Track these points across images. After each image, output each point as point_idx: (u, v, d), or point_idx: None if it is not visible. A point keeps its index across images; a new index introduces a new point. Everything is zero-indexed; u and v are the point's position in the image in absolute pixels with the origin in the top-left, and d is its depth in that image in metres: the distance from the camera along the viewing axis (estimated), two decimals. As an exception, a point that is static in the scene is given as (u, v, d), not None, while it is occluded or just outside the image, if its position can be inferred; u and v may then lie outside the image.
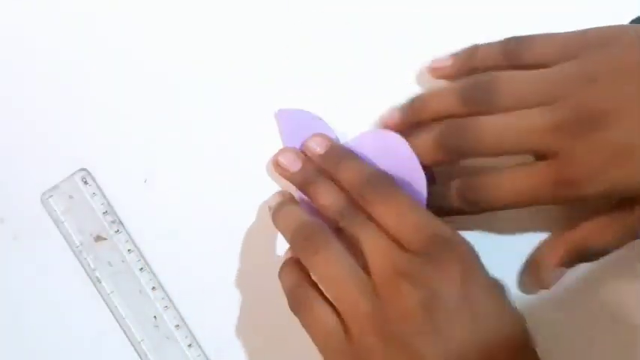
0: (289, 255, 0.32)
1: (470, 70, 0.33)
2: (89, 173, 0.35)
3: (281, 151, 0.34)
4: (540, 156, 0.30)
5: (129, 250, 0.35)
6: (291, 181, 0.33)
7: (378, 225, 0.29)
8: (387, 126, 0.34)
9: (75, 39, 0.36)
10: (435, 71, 0.34)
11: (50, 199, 0.35)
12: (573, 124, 0.28)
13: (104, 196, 0.35)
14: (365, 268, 0.28)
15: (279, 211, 0.32)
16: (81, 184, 0.35)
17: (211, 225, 0.35)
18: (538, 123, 0.29)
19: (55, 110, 0.36)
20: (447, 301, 0.26)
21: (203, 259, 0.35)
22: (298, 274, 0.30)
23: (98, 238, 0.34)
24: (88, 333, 0.35)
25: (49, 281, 0.35)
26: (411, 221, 0.28)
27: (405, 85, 0.35)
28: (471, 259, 0.27)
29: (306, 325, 0.29)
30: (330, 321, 0.28)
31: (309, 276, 0.30)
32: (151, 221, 0.35)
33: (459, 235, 0.28)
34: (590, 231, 0.31)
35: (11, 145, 0.36)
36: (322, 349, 0.28)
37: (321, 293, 0.29)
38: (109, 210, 0.35)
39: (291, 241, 0.31)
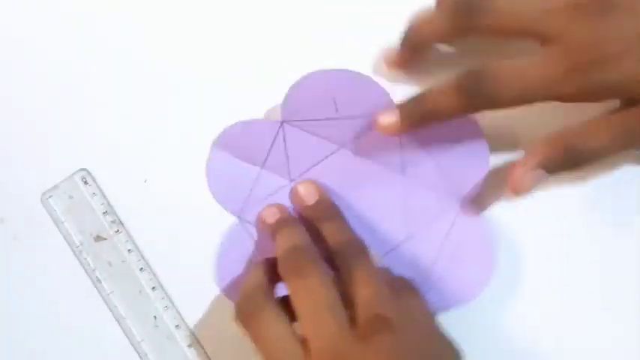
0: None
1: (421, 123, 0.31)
2: (89, 173, 0.35)
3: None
4: (545, 39, 0.28)
5: (129, 251, 0.35)
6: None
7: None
8: (394, 61, 0.33)
9: (75, 38, 0.36)
10: (382, 128, 0.32)
11: (50, 199, 0.35)
12: (586, 7, 0.28)
13: (104, 196, 0.35)
14: (345, 300, 0.28)
15: (280, 229, 0.32)
16: (81, 184, 0.35)
17: (210, 225, 0.35)
18: (551, 2, 0.28)
19: (55, 110, 0.36)
20: None
21: (203, 259, 0.34)
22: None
23: (98, 238, 0.34)
24: (88, 333, 0.35)
25: (49, 281, 0.35)
26: (366, 293, 0.28)
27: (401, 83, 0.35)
28: (402, 348, 0.27)
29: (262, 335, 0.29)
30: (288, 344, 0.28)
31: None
32: (151, 221, 0.35)
33: (406, 317, 0.28)
34: (583, 129, 0.29)
35: (11, 146, 0.36)
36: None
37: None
38: (109, 210, 0.35)
39: (282, 257, 0.30)
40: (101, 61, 0.36)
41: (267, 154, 0.34)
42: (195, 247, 0.35)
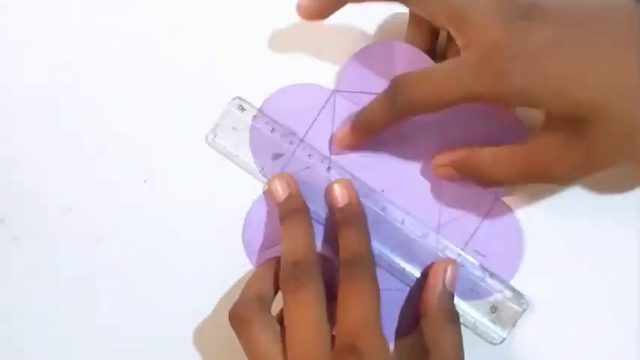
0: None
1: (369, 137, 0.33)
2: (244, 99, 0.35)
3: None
4: (465, 46, 0.29)
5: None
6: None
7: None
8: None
9: (74, 39, 0.36)
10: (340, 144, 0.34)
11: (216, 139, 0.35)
12: (501, 9, 0.28)
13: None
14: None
15: (289, 219, 0.32)
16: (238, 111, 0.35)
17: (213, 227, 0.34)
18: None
19: (55, 111, 0.36)
20: None
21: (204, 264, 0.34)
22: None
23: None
24: (89, 333, 0.35)
25: (49, 281, 0.35)
26: (350, 316, 0.29)
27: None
28: None
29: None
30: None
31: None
32: (151, 221, 0.35)
33: (381, 351, 0.28)
34: (490, 156, 0.30)
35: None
36: None
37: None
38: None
39: (282, 266, 0.31)
40: (101, 60, 0.36)
41: (313, 121, 0.34)
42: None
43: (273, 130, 0.34)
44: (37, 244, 0.35)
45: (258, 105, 0.35)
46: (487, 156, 0.30)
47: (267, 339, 0.29)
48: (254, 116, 0.34)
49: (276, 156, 0.34)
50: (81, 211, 0.35)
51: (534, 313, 0.33)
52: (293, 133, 0.34)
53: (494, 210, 0.34)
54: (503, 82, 0.27)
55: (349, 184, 0.33)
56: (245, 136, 0.34)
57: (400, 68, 0.34)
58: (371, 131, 0.32)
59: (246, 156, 0.34)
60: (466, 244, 0.34)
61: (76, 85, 0.36)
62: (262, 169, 0.34)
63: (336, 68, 0.35)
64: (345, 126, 0.33)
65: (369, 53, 0.34)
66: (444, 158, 0.32)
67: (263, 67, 0.35)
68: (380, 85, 0.32)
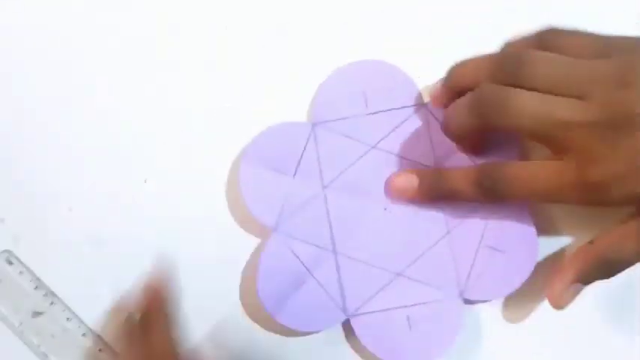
0: None
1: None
2: (12, 253, 0.35)
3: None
4: (559, 148, 0.29)
5: (67, 319, 0.34)
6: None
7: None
8: (434, 98, 0.34)
9: (74, 38, 0.36)
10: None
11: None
12: (604, 125, 0.28)
13: (31, 272, 0.34)
14: None
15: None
16: (5, 265, 0.34)
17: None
18: (570, 112, 0.29)
19: (55, 111, 0.36)
20: None
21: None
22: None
23: (35, 314, 0.34)
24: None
25: (49, 281, 0.35)
26: None
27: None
28: None
29: None
30: None
31: None
32: (151, 221, 0.35)
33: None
34: (612, 240, 0.30)
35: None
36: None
37: None
38: (39, 284, 0.34)
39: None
40: (101, 60, 0.36)
41: (299, 160, 0.34)
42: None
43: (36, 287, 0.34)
44: (37, 244, 0.35)
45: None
46: (612, 239, 0.30)
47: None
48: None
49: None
50: (81, 211, 0.35)
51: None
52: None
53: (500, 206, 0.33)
54: (600, 194, 0.29)
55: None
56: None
57: (375, 85, 0.34)
58: (446, 199, 0.33)
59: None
60: (480, 242, 0.33)
61: (76, 84, 0.36)
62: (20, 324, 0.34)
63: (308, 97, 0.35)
64: (409, 176, 0.33)
65: (335, 79, 0.34)
66: (561, 283, 0.31)
67: (263, 66, 0.36)
68: (355, 107, 0.33)
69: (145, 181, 0.35)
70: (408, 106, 0.34)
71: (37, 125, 0.36)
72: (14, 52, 0.36)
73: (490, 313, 0.34)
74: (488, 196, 0.31)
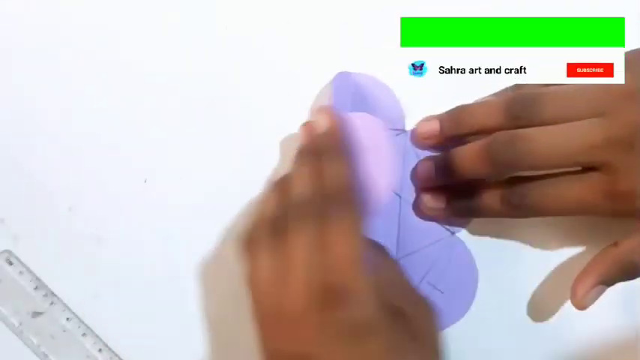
0: None
1: (463, 135, 0.33)
2: (12, 254, 0.35)
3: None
4: (588, 168, 0.30)
5: (67, 319, 0.34)
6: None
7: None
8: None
9: (74, 39, 0.36)
10: (422, 135, 0.34)
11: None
12: (626, 138, 0.29)
13: (31, 272, 0.35)
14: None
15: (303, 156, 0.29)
16: (6, 265, 0.34)
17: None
18: (590, 136, 0.29)
19: (55, 111, 0.36)
20: None
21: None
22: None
23: (35, 314, 0.34)
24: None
25: (49, 281, 0.35)
26: (335, 254, 0.26)
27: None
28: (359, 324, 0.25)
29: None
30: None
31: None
32: (151, 221, 0.35)
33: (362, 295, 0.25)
34: (636, 243, 0.31)
35: None
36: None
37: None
38: (39, 284, 0.34)
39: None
40: (100, 61, 0.36)
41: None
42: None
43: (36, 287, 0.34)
44: (37, 244, 0.35)
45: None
46: (637, 241, 0.31)
47: (271, 265, 0.26)
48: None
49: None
50: (81, 211, 0.35)
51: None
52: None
53: (449, 245, 0.34)
54: (627, 206, 0.29)
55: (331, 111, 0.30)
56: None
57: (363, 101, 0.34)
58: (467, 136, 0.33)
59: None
60: (423, 277, 0.34)
61: (76, 84, 0.36)
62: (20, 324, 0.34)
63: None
64: (432, 121, 0.33)
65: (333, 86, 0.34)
66: (585, 285, 0.31)
67: (263, 67, 0.35)
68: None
69: (145, 181, 0.35)
70: (390, 129, 0.34)
71: (37, 125, 0.36)
72: (14, 52, 0.36)
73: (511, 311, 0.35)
74: (516, 212, 0.32)
